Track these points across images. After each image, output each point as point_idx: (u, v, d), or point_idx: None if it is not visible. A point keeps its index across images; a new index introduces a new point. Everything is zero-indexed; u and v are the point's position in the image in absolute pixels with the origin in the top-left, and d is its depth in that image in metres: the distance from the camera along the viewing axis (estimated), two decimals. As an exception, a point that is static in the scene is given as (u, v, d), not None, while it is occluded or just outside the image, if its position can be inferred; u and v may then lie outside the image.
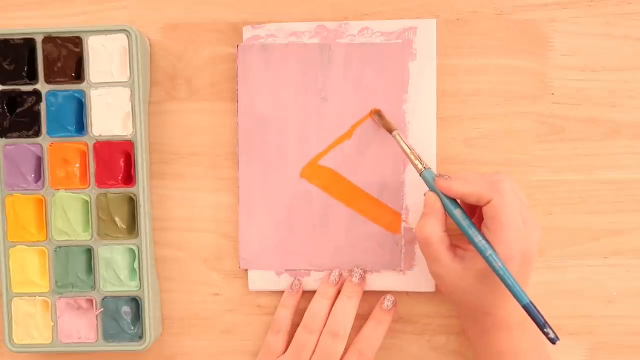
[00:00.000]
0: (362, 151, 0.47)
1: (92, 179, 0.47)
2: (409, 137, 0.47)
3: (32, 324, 0.48)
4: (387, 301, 0.47)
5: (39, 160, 0.48)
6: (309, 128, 0.47)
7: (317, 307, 0.46)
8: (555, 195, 0.47)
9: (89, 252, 0.48)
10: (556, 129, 0.47)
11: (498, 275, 0.39)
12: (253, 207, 0.48)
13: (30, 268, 0.48)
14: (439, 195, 0.42)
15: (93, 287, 0.48)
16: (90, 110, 0.47)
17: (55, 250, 0.48)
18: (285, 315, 0.47)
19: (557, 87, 0.47)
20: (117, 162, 0.47)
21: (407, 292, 0.48)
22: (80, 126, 0.47)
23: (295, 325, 0.47)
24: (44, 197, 0.47)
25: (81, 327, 0.48)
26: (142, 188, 0.47)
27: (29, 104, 0.47)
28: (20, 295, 0.48)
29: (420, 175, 0.43)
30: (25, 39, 0.47)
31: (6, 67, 0.47)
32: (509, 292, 0.39)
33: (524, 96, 0.47)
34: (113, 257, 0.47)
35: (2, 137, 0.47)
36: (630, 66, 0.47)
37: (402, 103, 0.47)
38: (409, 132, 0.47)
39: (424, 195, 0.42)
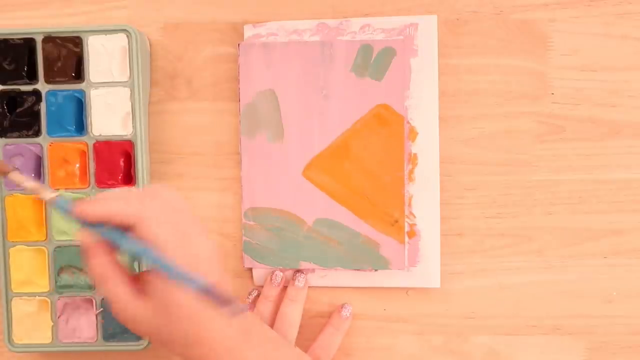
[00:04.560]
0: (363, 149, 0.47)
1: (92, 179, 0.47)
2: (412, 135, 0.47)
3: (32, 324, 0.48)
4: (346, 310, 0.47)
5: (39, 160, 0.48)
6: (311, 126, 0.47)
7: (262, 309, 0.46)
8: (555, 195, 0.47)
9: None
10: (556, 129, 0.47)
11: (164, 270, 0.34)
12: (256, 206, 0.48)
13: (30, 268, 0.48)
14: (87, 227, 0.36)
15: (93, 287, 0.48)
16: (90, 110, 0.47)
17: (55, 250, 0.48)
18: None
19: (557, 87, 0.47)
20: (117, 162, 0.47)
21: (407, 292, 0.48)
22: (80, 126, 0.47)
23: None
24: (44, 197, 0.47)
25: (81, 327, 0.48)
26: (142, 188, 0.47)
27: (29, 104, 0.47)
28: (20, 295, 0.48)
29: (54, 207, 0.37)
30: (25, 39, 0.47)
31: (6, 67, 0.47)
32: (204, 319, 0.34)
33: (524, 96, 0.47)
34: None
35: (2, 137, 0.47)
36: (630, 66, 0.47)
37: (404, 100, 0.47)
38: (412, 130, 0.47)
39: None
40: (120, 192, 0.37)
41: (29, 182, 0.37)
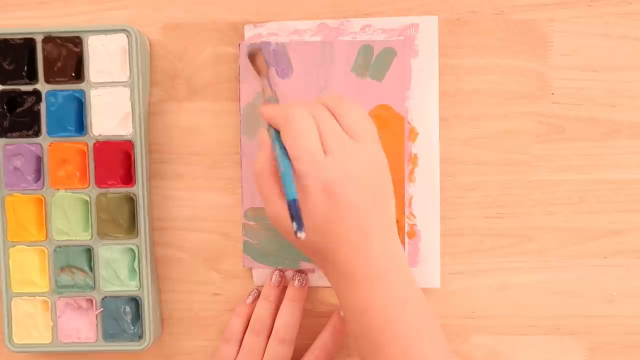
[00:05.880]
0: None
1: (92, 179, 0.47)
2: (412, 135, 0.47)
3: (32, 324, 0.48)
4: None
5: (39, 160, 0.48)
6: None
7: (262, 310, 0.46)
8: (555, 195, 0.48)
9: (89, 252, 0.48)
10: (556, 129, 0.47)
11: (280, 173, 0.38)
12: (256, 206, 0.48)
13: (30, 268, 0.48)
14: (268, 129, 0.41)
15: (93, 287, 0.48)
16: (90, 110, 0.47)
17: (55, 250, 0.48)
18: (237, 323, 0.47)
19: (557, 87, 0.47)
20: (117, 162, 0.47)
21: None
22: (80, 126, 0.47)
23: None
24: (44, 197, 0.47)
25: (81, 327, 0.48)
26: (142, 188, 0.47)
27: (29, 104, 0.47)
28: (20, 295, 0.48)
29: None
30: (25, 39, 0.47)
31: (6, 67, 0.47)
32: (340, 237, 0.37)
33: (524, 96, 0.47)
34: (113, 257, 0.47)
35: (2, 137, 0.47)
36: (630, 66, 0.47)
37: (404, 100, 0.47)
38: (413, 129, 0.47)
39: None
40: (302, 101, 0.41)
41: (268, 91, 0.44)
